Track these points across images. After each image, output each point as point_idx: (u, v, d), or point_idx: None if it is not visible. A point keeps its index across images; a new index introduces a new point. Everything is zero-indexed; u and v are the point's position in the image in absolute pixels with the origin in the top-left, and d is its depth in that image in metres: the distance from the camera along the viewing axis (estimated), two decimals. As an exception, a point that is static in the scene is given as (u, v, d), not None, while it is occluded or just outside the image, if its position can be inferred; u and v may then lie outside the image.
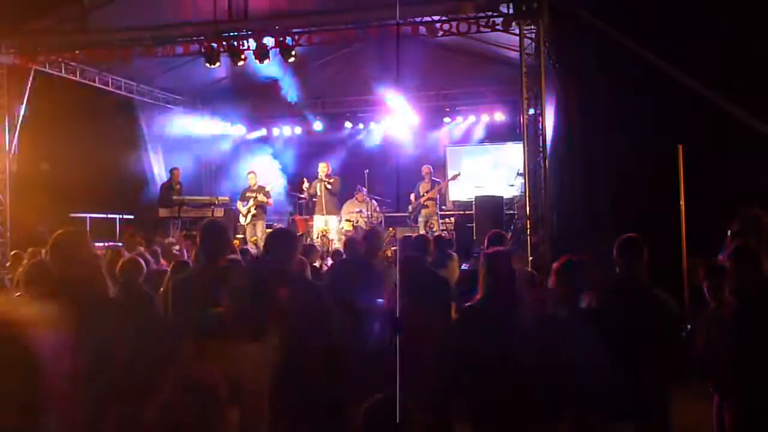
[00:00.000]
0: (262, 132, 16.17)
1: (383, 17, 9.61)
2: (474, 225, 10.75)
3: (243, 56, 10.38)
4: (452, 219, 13.03)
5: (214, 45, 10.32)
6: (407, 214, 12.66)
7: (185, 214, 12.14)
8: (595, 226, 8.39)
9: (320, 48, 11.41)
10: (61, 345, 3.01)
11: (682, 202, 7.12)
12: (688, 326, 4.53)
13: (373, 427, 2.33)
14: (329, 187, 12.52)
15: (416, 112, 14.49)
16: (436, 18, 9.60)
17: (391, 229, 12.24)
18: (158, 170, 14.16)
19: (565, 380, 3.74)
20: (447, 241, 8.87)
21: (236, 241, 11.89)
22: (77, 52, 10.91)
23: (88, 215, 11.59)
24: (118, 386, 2.94)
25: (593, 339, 3.82)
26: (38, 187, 10.70)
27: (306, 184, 12.86)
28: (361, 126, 15.41)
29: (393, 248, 9.97)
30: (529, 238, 9.10)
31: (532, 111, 9.46)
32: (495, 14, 9.34)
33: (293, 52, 10.27)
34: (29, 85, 10.93)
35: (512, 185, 11.67)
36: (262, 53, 10.24)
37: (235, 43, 10.25)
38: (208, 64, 10.63)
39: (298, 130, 15.85)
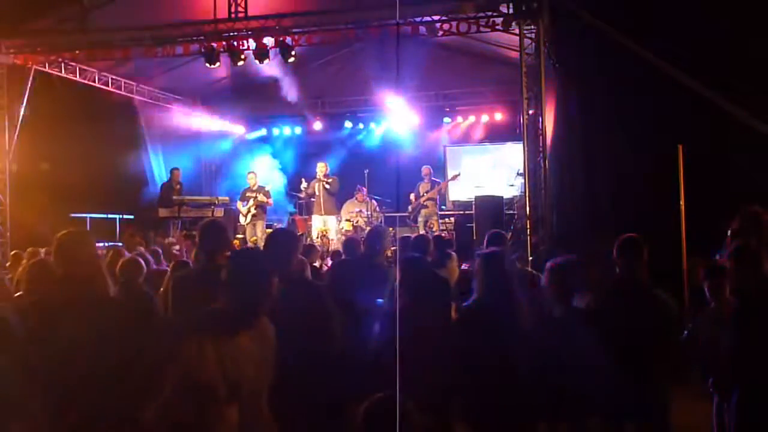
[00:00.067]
0: (262, 132, 16.17)
1: (383, 17, 9.61)
2: (474, 225, 10.74)
3: (243, 56, 10.39)
4: (452, 219, 13.02)
5: (214, 45, 10.33)
6: (407, 214, 12.66)
7: (185, 214, 12.14)
8: (595, 226, 8.39)
9: (320, 48, 11.41)
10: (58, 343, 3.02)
11: (682, 202, 7.11)
12: (689, 326, 4.51)
13: (373, 427, 2.33)
14: (327, 187, 12.53)
15: (416, 112, 14.50)
16: (436, 18, 9.61)
17: (390, 229, 12.24)
18: (158, 170, 14.16)
19: (564, 380, 3.74)
20: (446, 241, 8.87)
21: (236, 241, 11.92)
22: (77, 52, 10.91)
23: (88, 215, 11.59)
24: (117, 385, 2.93)
25: (593, 339, 3.82)
26: (38, 187, 10.70)
27: (304, 184, 12.86)
28: (361, 126, 15.42)
29: (392, 248, 9.96)
30: (529, 238, 9.11)
31: (532, 111, 9.46)
32: (495, 14, 9.34)
33: (293, 52, 10.27)
34: (29, 85, 10.93)
35: (512, 185, 11.67)
36: (262, 53, 10.24)
37: (235, 43, 10.26)
38: (208, 64, 10.64)
39: (298, 130, 15.86)
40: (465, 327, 3.97)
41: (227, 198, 13.00)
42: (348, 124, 15.33)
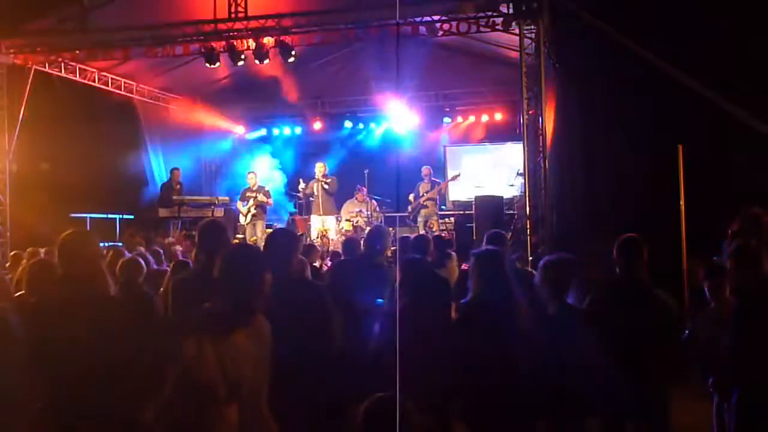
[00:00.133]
0: (262, 132, 16.16)
1: (383, 17, 9.61)
2: (474, 225, 10.74)
3: (242, 56, 10.39)
4: (452, 219, 13.02)
5: (214, 45, 10.33)
6: (407, 214, 12.66)
7: (185, 214, 12.14)
8: (595, 226, 8.39)
9: (320, 48, 11.41)
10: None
11: (682, 202, 7.12)
12: (690, 326, 4.52)
13: (373, 426, 2.33)
14: (326, 187, 12.52)
15: (416, 112, 14.50)
16: (436, 18, 9.61)
17: (390, 228, 12.23)
18: (158, 170, 14.16)
19: (561, 379, 3.74)
20: (446, 241, 8.87)
21: (236, 241, 11.92)
22: (77, 51, 10.91)
23: (88, 215, 11.59)
24: (117, 385, 2.93)
25: (589, 337, 3.82)
26: (38, 187, 10.70)
27: (302, 185, 12.85)
28: (361, 126, 15.41)
29: (393, 248, 9.95)
30: (529, 238, 9.11)
31: (532, 111, 9.46)
32: (495, 14, 9.34)
33: (293, 52, 10.27)
34: (29, 85, 10.93)
35: (512, 185, 11.66)
36: (261, 53, 10.24)
37: (235, 43, 10.26)
38: (208, 64, 10.65)
39: (298, 130, 15.85)
40: (461, 325, 3.98)
41: (227, 198, 13.01)
42: (348, 124, 15.32)
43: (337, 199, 12.90)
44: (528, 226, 9.20)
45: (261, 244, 10.60)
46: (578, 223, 9.12)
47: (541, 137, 9.27)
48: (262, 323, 2.95)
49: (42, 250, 6.45)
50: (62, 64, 11.38)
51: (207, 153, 15.92)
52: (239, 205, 12.78)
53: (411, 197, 12.70)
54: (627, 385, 3.78)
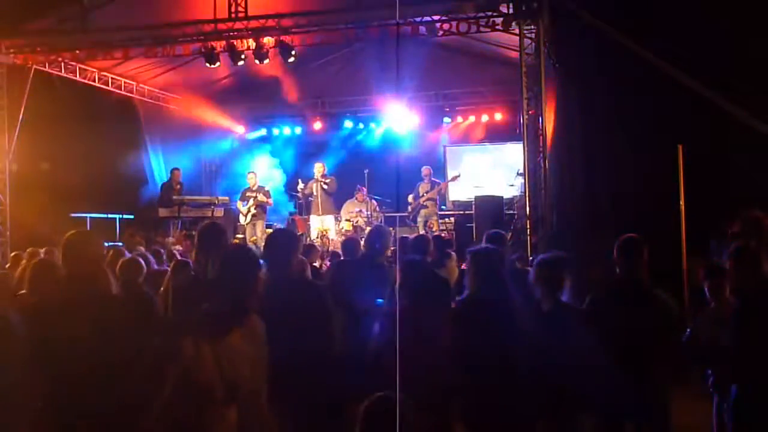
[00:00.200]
0: (262, 132, 16.16)
1: (383, 17, 9.60)
2: (474, 225, 10.74)
3: (242, 56, 10.39)
4: (452, 219, 13.02)
5: (214, 45, 10.33)
6: (407, 214, 12.65)
7: (185, 214, 12.14)
8: (595, 226, 8.39)
9: (320, 48, 11.41)
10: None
11: (682, 202, 7.12)
12: (690, 325, 4.52)
13: (373, 426, 2.33)
14: (325, 187, 12.52)
15: (416, 112, 14.49)
16: (436, 18, 9.61)
17: (390, 228, 12.23)
18: (158, 170, 14.16)
19: (561, 379, 3.75)
20: (446, 241, 8.87)
21: (236, 241, 11.92)
22: (77, 51, 10.91)
23: (88, 215, 11.58)
24: (118, 384, 2.93)
25: (589, 338, 3.83)
26: (38, 187, 10.70)
27: (301, 185, 12.85)
28: (361, 126, 15.40)
29: (393, 248, 9.95)
30: (529, 238, 9.11)
31: (532, 111, 9.46)
32: (495, 14, 9.34)
33: (293, 52, 10.27)
34: (29, 85, 10.93)
35: (512, 185, 11.67)
36: (261, 53, 10.24)
37: (235, 43, 10.25)
38: (207, 64, 10.65)
39: (298, 130, 15.85)
40: (458, 322, 4.00)
41: (227, 198, 13.00)
42: (348, 124, 15.31)
43: (337, 199, 12.89)
44: (528, 226, 9.20)
45: (261, 244, 10.63)
46: (578, 223, 9.11)
47: (541, 137, 9.27)
48: (256, 323, 2.95)
49: (42, 251, 6.45)
50: (62, 64, 11.37)
51: (207, 153, 15.92)
52: (239, 205, 12.78)
53: (410, 198, 12.69)
54: (627, 385, 3.79)
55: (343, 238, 9.62)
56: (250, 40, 10.22)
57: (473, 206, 10.97)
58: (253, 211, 12.51)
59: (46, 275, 4.03)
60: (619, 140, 8.60)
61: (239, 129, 16.03)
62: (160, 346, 2.74)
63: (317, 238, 11.98)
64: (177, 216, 12.10)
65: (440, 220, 12.81)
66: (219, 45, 10.35)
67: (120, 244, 9.90)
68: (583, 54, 8.96)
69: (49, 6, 10.45)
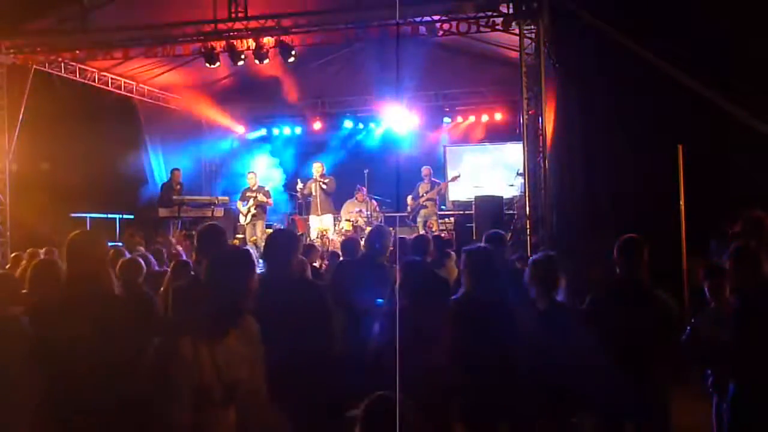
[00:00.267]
0: (262, 132, 16.16)
1: (383, 17, 9.60)
2: (474, 225, 10.74)
3: (242, 56, 10.39)
4: (452, 219, 13.02)
5: (214, 45, 10.33)
6: (406, 214, 12.65)
7: (185, 214, 12.14)
8: (595, 226, 8.39)
9: (320, 48, 11.41)
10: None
11: (682, 202, 7.12)
12: (691, 323, 4.52)
13: (372, 425, 2.33)
14: (324, 187, 12.51)
15: (416, 112, 14.49)
16: (436, 18, 9.60)
17: (390, 229, 12.22)
18: (158, 170, 14.16)
19: (558, 378, 3.75)
20: (446, 241, 8.87)
21: (236, 241, 11.93)
22: (77, 51, 10.91)
23: (88, 215, 11.59)
24: (118, 384, 2.94)
25: (585, 338, 3.83)
26: (38, 187, 10.69)
27: (300, 185, 12.84)
28: (361, 126, 15.40)
29: (392, 248, 9.95)
30: (529, 238, 9.11)
31: (532, 111, 9.46)
32: (495, 14, 9.34)
33: (293, 52, 10.27)
34: (29, 85, 10.93)
35: (512, 185, 11.67)
36: (261, 53, 10.24)
37: (235, 43, 10.25)
38: (207, 64, 10.65)
39: (298, 130, 15.84)
40: (453, 321, 4.01)
41: (227, 198, 13.00)
42: (348, 124, 15.30)
43: (337, 199, 12.89)
44: (528, 226, 9.20)
45: (261, 244, 10.64)
46: (578, 223, 9.11)
47: (541, 137, 9.27)
48: (251, 324, 2.96)
49: (42, 251, 6.45)
50: (62, 64, 11.37)
51: (207, 153, 15.92)
52: (239, 205, 12.78)
53: (409, 198, 12.69)
54: (627, 385, 3.79)
55: (343, 238, 9.63)
56: (250, 40, 10.22)
57: (473, 206, 10.97)
58: (253, 211, 12.51)
59: (47, 275, 4.04)
60: (619, 140, 8.60)
61: (239, 129, 16.03)
62: (159, 347, 2.74)
63: (317, 238, 11.97)
64: (177, 216, 12.09)
65: (440, 220, 12.81)
66: (219, 45, 10.35)
67: (120, 244, 9.91)
68: (583, 54, 8.96)
69: (49, 6, 10.45)
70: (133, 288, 4.94)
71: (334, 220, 12.58)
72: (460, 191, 13.57)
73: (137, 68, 12.63)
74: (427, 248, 5.50)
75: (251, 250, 4.17)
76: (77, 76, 11.78)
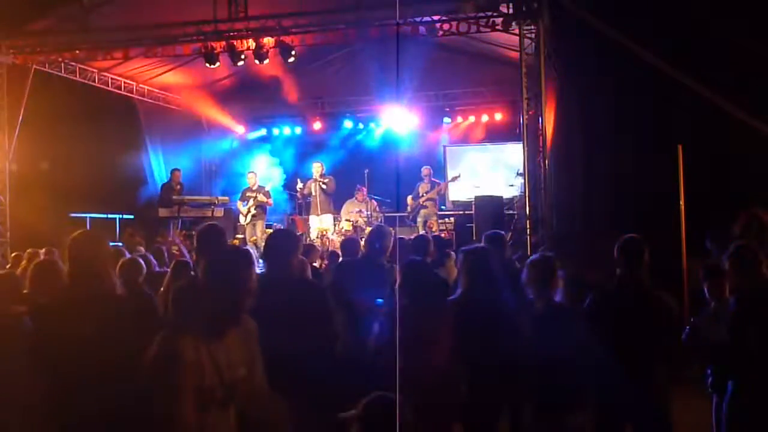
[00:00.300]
0: (262, 132, 16.16)
1: (383, 17, 9.60)
2: (474, 225, 10.74)
3: (242, 56, 10.39)
4: (452, 219, 13.02)
5: (214, 45, 10.33)
6: (406, 214, 12.66)
7: (185, 214, 12.14)
8: (595, 226, 8.39)
9: (320, 48, 11.40)
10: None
11: (681, 202, 7.11)
12: (690, 321, 4.52)
13: (370, 425, 2.33)
14: (324, 186, 12.50)
15: (416, 112, 14.49)
16: (436, 18, 9.61)
17: (391, 228, 12.20)
18: (158, 170, 14.16)
19: (560, 379, 3.75)
20: (445, 241, 8.87)
21: (236, 241, 11.93)
22: (77, 51, 10.91)
23: (88, 215, 11.59)
24: (120, 384, 2.94)
25: (587, 339, 3.84)
26: (38, 187, 10.69)
27: (300, 185, 12.85)
28: (360, 126, 15.40)
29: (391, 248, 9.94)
30: (528, 238, 9.11)
31: (532, 111, 9.46)
32: (495, 14, 9.34)
33: (293, 52, 10.27)
34: (29, 85, 10.93)
35: (512, 185, 11.67)
36: (261, 53, 10.24)
37: (235, 44, 10.25)
38: (207, 65, 10.65)
39: (298, 130, 15.85)
40: (452, 320, 4.02)
41: (227, 198, 13.00)
42: (348, 124, 15.31)
43: (337, 199, 12.89)
44: (528, 226, 9.20)
45: (261, 244, 10.64)
46: (578, 223, 9.12)
47: (541, 137, 9.27)
48: (248, 323, 2.97)
49: (42, 251, 6.45)
50: (62, 64, 11.38)
51: (207, 153, 15.92)
52: (239, 205, 12.78)
53: (409, 198, 12.69)
54: (627, 385, 3.79)
55: (343, 238, 9.63)
56: (250, 40, 10.22)
57: (473, 206, 10.98)
58: (253, 211, 12.51)
59: (48, 276, 4.05)
60: (619, 140, 8.60)
61: (239, 129, 16.03)
62: (160, 347, 2.74)
63: (317, 238, 11.97)
64: (177, 216, 12.09)
65: (440, 220, 12.81)
66: (219, 45, 10.35)
67: (120, 244, 9.91)
68: (583, 54, 8.96)
69: (49, 6, 10.45)
70: (133, 288, 4.94)
71: (334, 220, 12.57)
72: (460, 191, 13.58)
73: (137, 68, 12.63)
74: (427, 248, 5.51)
75: (251, 250, 4.18)
76: (77, 76, 11.78)
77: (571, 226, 9.11)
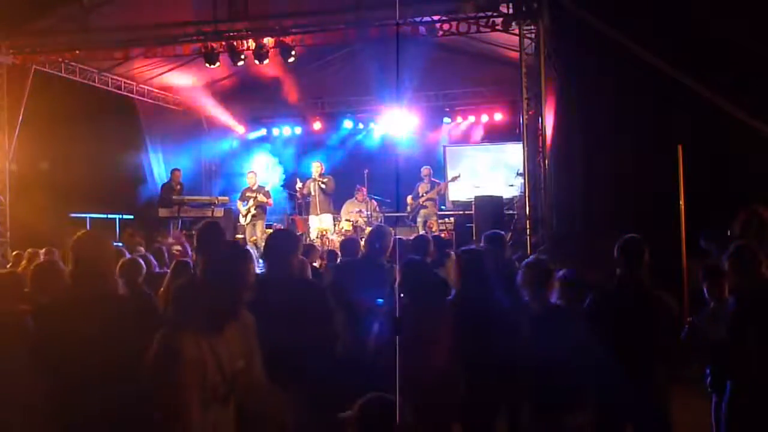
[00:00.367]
0: (262, 132, 16.17)
1: (383, 17, 9.60)
2: (474, 225, 10.74)
3: (242, 56, 10.39)
4: (452, 219, 13.02)
5: (214, 45, 10.33)
6: (406, 214, 12.65)
7: (185, 214, 12.14)
8: (595, 226, 8.39)
9: (320, 48, 11.40)
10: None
11: (681, 202, 7.11)
12: (689, 320, 4.52)
13: (368, 425, 2.33)
14: (323, 186, 12.50)
15: (416, 112, 14.49)
16: (436, 18, 9.61)
17: (391, 229, 12.19)
18: (158, 170, 14.16)
19: (558, 380, 3.75)
20: (445, 241, 8.87)
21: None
22: (77, 52, 10.91)
23: (88, 215, 11.59)
24: (123, 383, 2.95)
25: (592, 339, 3.83)
26: (38, 187, 10.70)
27: (299, 184, 12.85)
28: (360, 126, 15.40)
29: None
30: (528, 238, 9.11)
31: (531, 111, 9.46)
32: (495, 14, 9.35)
33: (293, 52, 10.27)
34: (29, 85, 10.93)
35: (512, 185, 11.67)
36: (261, 53, 10.25)
37: (235, 44, 10.25)
38: (207, 65, 10.65)
39: (298, 130, 15.85)
40: (449, 320, 4.03)
41: (227, 198, 13.00)
42: (348, 124, 15.31)
43: (337, 199, 12.89)
44: (528, 226, 9.20)
45: (261, 244, 10.63)
46: (578, 223, 9.12)
47: (540, 137, 9.27)
48: (246, 316, 2.98)
49: (41, 251, 6.45)
50: (62, 64, 11.38)
51: (207, 153, 15.93)
52: (239, 205, 12.78)
53: (409, 198, 12.69)
54: (627, 385, 3.79)
55: (343, 238, 9.62)
56: (250, 41, 10.22)
57: (473, 206, 10.97)
58: (253, 211, 12.51)
59: (49, 276, 4.06)
60: (619, 140, 8.60)
61: (239, 129, 16.03)
62: (161, 344, 2.75)
63: (317, 238, 11.97)
64: (177, 216, 12.09)
65: (440, 220, 12.80)
66: (219, 45, 10.35)
67: (120, 244, 9.91)
68: (583, 54, 8.96)
69: (49, 6, 10.45)
70: (133, 288, 4.94)
71: (334, 220, 12.57)
72: (460, 191, 13.57)
73: (137, 68, 12.63)
74: (427, 248, 5.50)
75: (251, 250, 4.18)
76: (77, 76, 11.78)
77: (571, 226, 9.10)
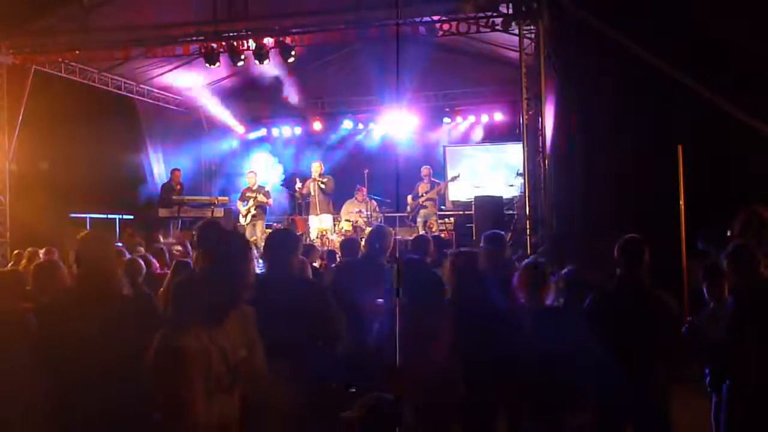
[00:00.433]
0: (262, 132, 16.17)
1: (383, 17, 9.60)
2: (473, 225, 10.74)
3: (242, 56, 10.39)
4: (452, 219, 13.02)
5: (214, 45, 10.33)
6: (406, 214, 12.65)
7: (185, 214, 12.13)
8: (595, 226, 8.39)
9: (320, 48, 11.40)
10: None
11: (681, 202, 7.11)
12: (688, 319, 4.52)
13: (369, 425, 2.34)
14: (322, 186, 12.50)
15: (416, 112, 14.48)
16: (436, 18, 9.61)
17: (391, 228, 12.19)
18: (158, 170, 14.16)
19: (558, 380, 3.75)
20: (445, 241, 8.87)
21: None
22: (77, 51, 10.92)
23: (88, 215, 11.59)
24: (127, 382, 2.95)
25: (592, 339, 3.83)
26: (38, 187, 10.70)
27: (299, 184, 12.84)
28: (360, 126, 15.40)
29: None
30: (528, 238, 9.11)
31: (531, 111, 9.46)
32: (495, 14, 9.35)
33: (293, 52, 10.27)
34: (29, 85, 10.93)
35: (512, 185, 11.67)
36: (261, 53, 10.25)
37: (235, 44, 10.26)
38: (207, 65, 10.65)
39: (298, 130, 15.85)
40: (447, 321, 4.04)
41: (227, 198, 13.00)
42: (347, 125, 15.30)
43: (337, 199, 12.89)
44: (528, 226, 9.20)
45: (261, 244, 10.63)
46: (578, 223, 9.12)
47: (541, 137, 9.27)
48: (245, 307, 3.00)
49: (41, 251, 6.45)
50: (62, 64, 11.38)
51: (207, 153, 15.92)
52: (239, 205, 12.79)
53: (409, 198, 12.69)
54: (627, 384, 3.79)
55: (342, 238, 9.62)
56: (250, 41, 10.22)
57: (473, 206, 10.97)
58: (253, 211, 12.51)
59: (49, 275, 4.06)
60: (619, 140, 8.60)
61: (239, 129, 16.03)
62: (164, 340, 2.75)
63: (317, 238, 11.97)
64: (177, 216, 12.09)
65: (440, 220, 12.80)
66: (219, 45, 10.35)
67: (120, 244, 9.91)
68: (583, 54, 8.96)
69: (49, 6, 10.45)
70: (133, 288, 4.94)
71: (334, 221, 12.57)
72: (460, 191, 13.58)
73: (137, 68, 12.63)
74: (427, 248, 5.50)
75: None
76: (77, 76, 11.78)
77: (571, 226, 9.10)
